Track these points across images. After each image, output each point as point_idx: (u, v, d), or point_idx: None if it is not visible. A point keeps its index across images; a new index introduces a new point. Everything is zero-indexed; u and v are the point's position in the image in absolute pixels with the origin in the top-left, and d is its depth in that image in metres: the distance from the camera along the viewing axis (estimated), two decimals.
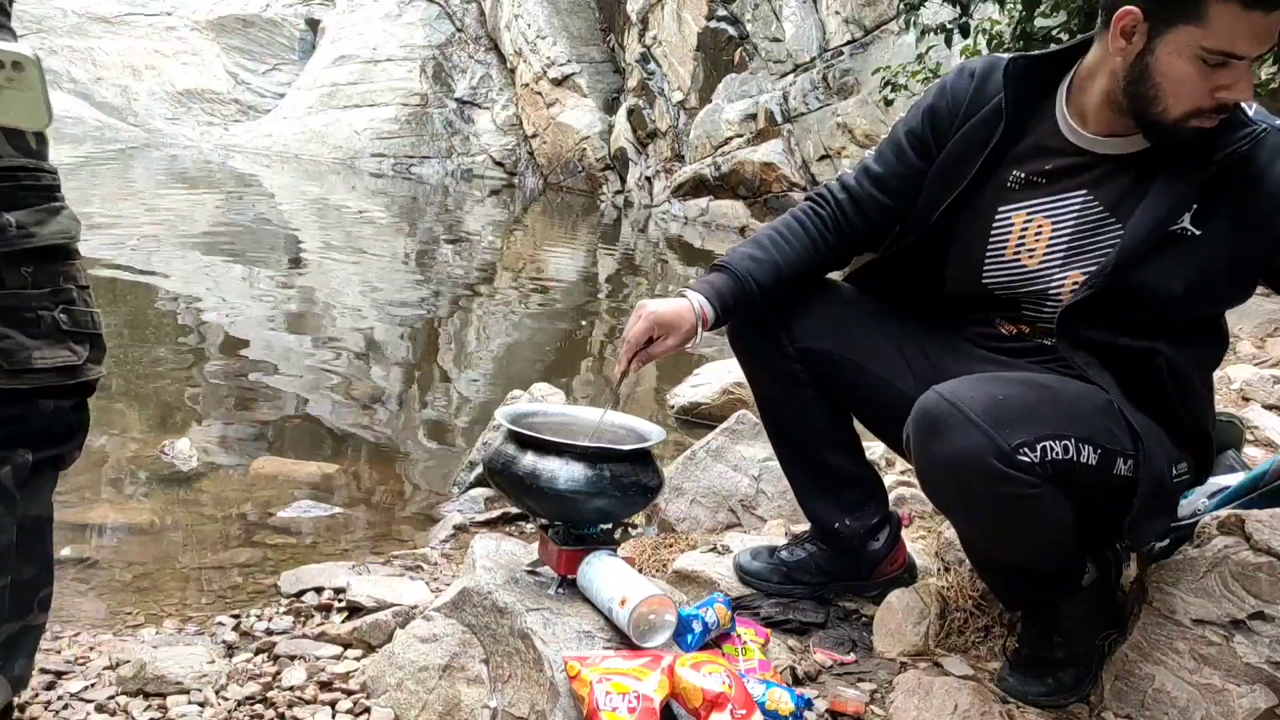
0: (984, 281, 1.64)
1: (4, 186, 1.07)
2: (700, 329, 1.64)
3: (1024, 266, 1.59)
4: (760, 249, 1.73)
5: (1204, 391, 1.59)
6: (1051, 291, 1.58)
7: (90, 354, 1.16)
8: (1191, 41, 1.36)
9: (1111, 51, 1.45)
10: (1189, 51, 1.37)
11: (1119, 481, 1.46)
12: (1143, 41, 1.41)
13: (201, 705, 1.66)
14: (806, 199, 1.81)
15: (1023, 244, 1.59)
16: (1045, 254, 1.57)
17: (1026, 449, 1.37)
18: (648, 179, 14.06)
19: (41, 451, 1.15)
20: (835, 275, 1.85)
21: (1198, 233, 1.47)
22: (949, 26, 6.53)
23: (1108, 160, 1.54)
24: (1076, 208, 1.55)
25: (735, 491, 2.50)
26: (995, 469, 1.36)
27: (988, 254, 1.62)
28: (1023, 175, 1.59)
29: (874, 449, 2.04)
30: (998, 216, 1.61)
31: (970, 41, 6.63)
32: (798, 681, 1.63)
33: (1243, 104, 1.44)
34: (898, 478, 2.57)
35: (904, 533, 1.94)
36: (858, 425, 1.83)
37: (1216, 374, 3.35)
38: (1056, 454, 1.39)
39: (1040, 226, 1.57)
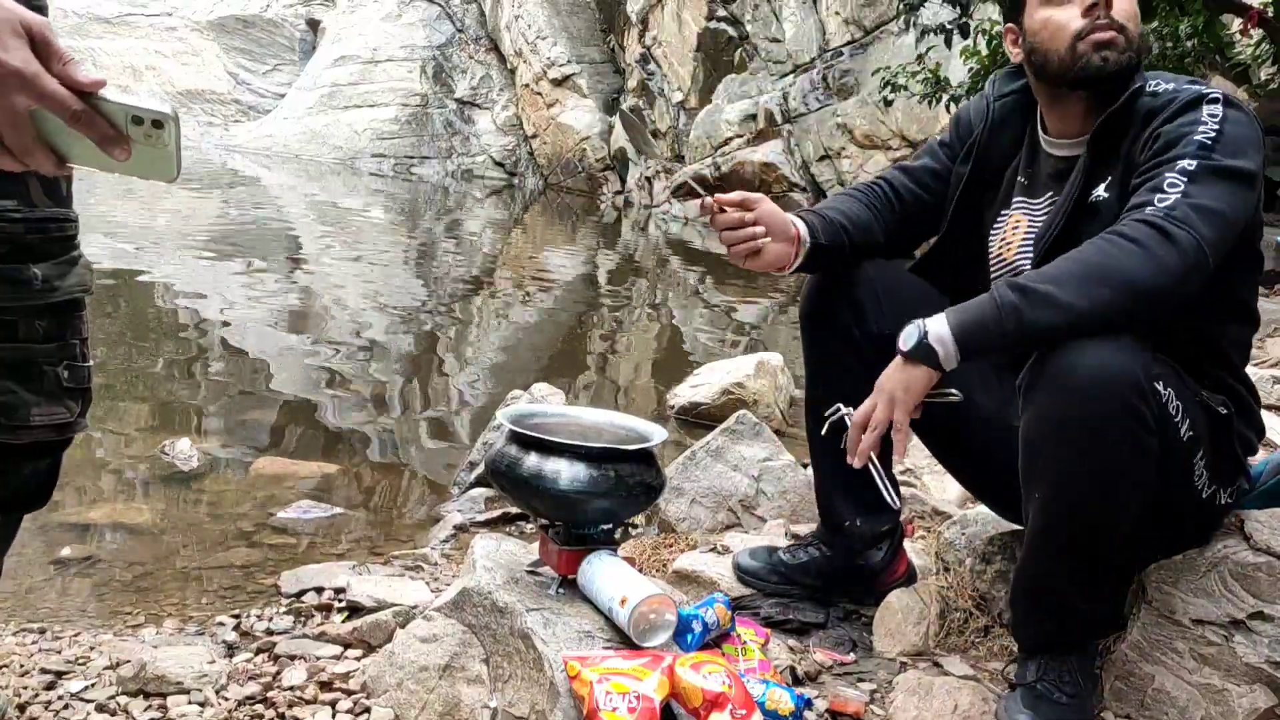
0: (992, 277, 1.71)
1: (34, 239, 1.04)
2: (798, 250, 1.72)
3: (1002, 258, 1.69)
4: (827, 203, 1.84)
5: (1233, 365, 1.58)
6: None
7: (80, 409, 1.12)
8: None
9: (1017, 61, 1.67)
10: (1035, 2, 1.58)
11: (1181, 449, 1.45)
12: (1020, 36, 1.63)
13: (202, 705, 1.66)
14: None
15: (1006, 240, 1.70)
16: (1020, 246, 1.66)
17: (1161, 383, 1.40)
18: (648, 179, 14.05)
19: (11, 514, 1.11)
20: None
21: (1109, 197, 1.53)
22: (949, 27, 6.53)
23: (1064, 161, 1.64)
24: (1042, 208, 1.66)
25: (735, 491, 2.50)
26: (1139, 386, 1.36)
27: (989, 249, 1.74)
28: (1025, 181, 1.71)
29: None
30: (1000, 217, 1.74)
31: (970, 42, 6.62)
32: (798, 681, 1.63)
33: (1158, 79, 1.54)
34: (899, 477, 2.56)
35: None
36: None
37: None
38: (1170, 399, 1.41)
39: (1018, 222, 1.69)
